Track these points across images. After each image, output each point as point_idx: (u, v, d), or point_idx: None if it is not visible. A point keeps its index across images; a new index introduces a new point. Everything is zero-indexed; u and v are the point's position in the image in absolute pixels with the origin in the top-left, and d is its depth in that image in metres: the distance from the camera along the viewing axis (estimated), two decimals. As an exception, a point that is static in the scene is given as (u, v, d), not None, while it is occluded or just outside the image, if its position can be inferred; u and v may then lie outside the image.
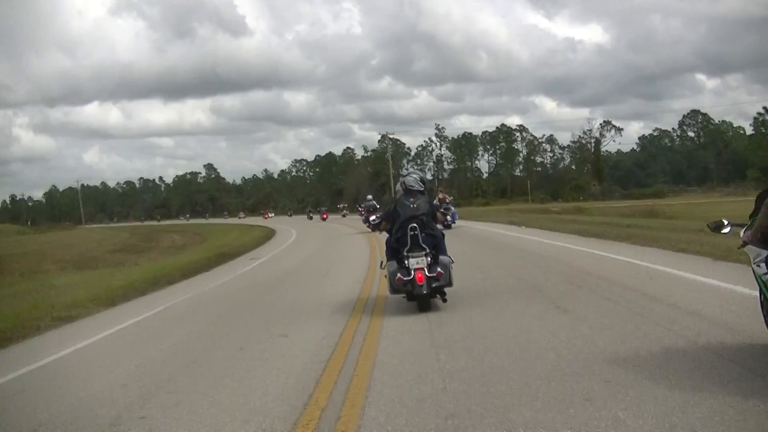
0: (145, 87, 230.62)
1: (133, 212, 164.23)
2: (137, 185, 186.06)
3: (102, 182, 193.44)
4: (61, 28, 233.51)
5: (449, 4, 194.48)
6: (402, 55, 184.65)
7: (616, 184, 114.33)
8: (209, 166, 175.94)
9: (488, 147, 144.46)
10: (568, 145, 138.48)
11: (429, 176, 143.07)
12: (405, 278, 8.58)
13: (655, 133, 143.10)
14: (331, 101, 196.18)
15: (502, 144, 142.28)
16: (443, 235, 9.38)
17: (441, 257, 8.88)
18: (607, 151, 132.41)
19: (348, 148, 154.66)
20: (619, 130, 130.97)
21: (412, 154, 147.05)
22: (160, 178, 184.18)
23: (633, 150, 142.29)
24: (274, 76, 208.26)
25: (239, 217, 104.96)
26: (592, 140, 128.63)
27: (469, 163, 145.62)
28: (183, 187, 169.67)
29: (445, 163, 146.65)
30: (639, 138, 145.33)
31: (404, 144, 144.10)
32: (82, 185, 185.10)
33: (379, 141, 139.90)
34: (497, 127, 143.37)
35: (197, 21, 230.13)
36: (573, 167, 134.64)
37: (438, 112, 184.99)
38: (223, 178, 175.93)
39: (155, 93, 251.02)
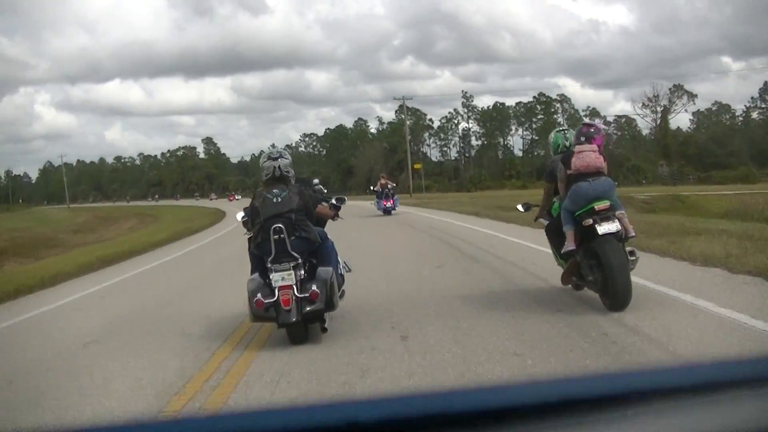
0: (165, 65, 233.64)
1: (129, 191, 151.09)
2: (138, 162, 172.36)
3: (100, 158, 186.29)
4: (80, 5, 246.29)
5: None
6: (424, 35, 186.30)
7: (687, 165, 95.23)
8: (208, 141, 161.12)
9: (523, 120, 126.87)
10: (615, 120, 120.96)
11: (454, 153, 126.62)
12: (266, 300, 6.37)
13: (714, 107, 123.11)
14: (353, 81, 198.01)
15: (540, 117, 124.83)
16: (325, 238, 7.08)
17: (320, 269, 6.69)
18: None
19: (360, 119, 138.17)
20: (692, 96, 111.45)
21: (435, 127, 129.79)
22: (162, 154, 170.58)
23: (690, 128, 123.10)
24: (295, 55, 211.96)
25: (210, 199, 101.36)
26: (658, 109, 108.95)
27: (500, 139, 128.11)
28: (177, 163, 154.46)
29: (473, 138, 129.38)
30: (693, 114, 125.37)
31: (425, 115, 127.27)
32: (79, 161, 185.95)
33: (396, 111, 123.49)
34: (534, 97, 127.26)
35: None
36: (620, 146, 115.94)
37: (460, 92, 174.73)
38: (224, 154, 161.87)
39: (176, 71, 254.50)
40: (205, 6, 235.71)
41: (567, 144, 7.79)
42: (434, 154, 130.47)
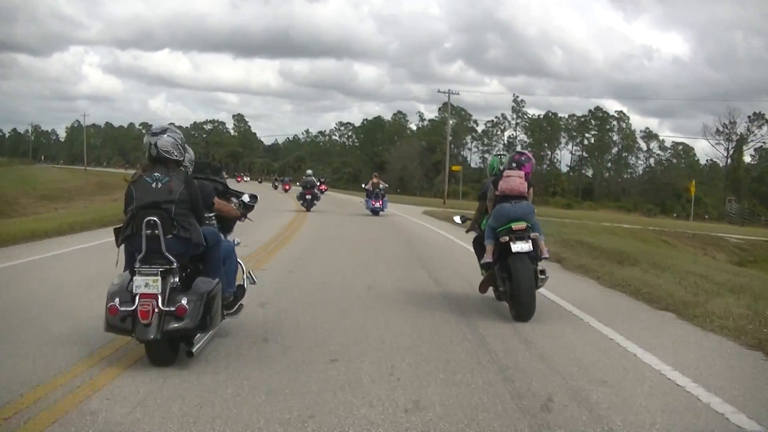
0: (216, 41, 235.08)
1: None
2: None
3: (130, 123, 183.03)
4: None
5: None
6: (476, 41, 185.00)
7: (760, 204, 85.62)
8: (239, 117, 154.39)
9: (574, 134, 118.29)
10: (672, 147, 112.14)
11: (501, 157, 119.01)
12: (123, 308, 5.29)
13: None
14: (399, 78, 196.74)
15: (594, 133, 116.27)
16: (217, 242, 6.13)
17: (199, 280, 5.67)
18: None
19: (399, 113, 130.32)
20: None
21: (479, 131, 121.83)
22: (195, 123, 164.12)
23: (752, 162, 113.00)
24: (346, 46, 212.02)
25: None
26: (733, 138, 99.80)
27: (548, 152, 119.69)
28: (202, 137, 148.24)
29: (519, 147, 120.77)
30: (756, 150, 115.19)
31: (470, 116, 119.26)
32: (107, 124, 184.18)
33: (440, 109, 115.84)
34: (590, 111, 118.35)
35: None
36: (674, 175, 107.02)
37: (506, 103, 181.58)
38: (254, 134, 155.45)
39: (225, 48, 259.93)
40: None
41: (501, 168, 8.35)
42: (474, 160, 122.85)
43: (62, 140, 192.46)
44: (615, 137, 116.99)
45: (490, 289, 8.51)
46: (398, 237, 19.02)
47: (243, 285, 6.72)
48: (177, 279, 5.49)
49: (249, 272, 6.98)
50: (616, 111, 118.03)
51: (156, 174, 5.53)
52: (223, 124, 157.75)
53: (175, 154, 5.70)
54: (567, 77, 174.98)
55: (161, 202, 5.44)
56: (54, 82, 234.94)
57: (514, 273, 7.47)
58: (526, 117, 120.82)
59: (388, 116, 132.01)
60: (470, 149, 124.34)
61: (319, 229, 20.81)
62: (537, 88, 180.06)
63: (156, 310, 5.20)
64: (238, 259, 6.73)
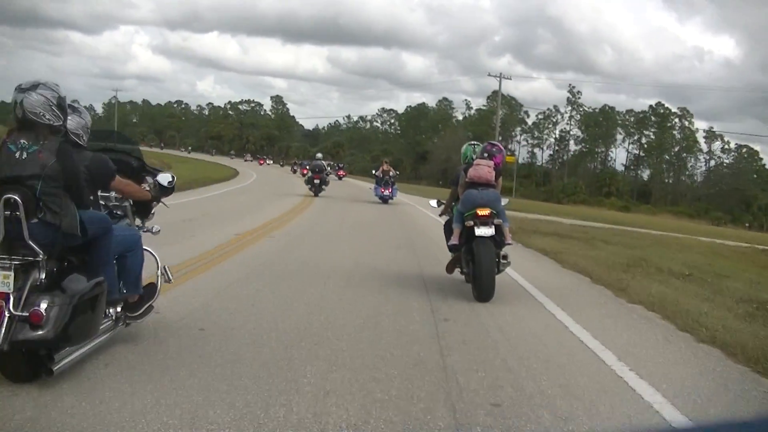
0: (265, 25, 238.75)
1: (187, 140, 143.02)
2: (207, 111, 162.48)
3: (168, 102, 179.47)
4: None
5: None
6: (526, 36, 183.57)
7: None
8: (277, 99, 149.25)
9: (632, 131, 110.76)
10: (736, 149, 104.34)
11: (546, 156, 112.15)
12: None
13: None
14: (447, 70, 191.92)
15: (654, 130, 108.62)
16: (107, 231, 4.99)
17: (71, 278, 4.59)
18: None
19: (444, 99, 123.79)
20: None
21: (529, 123, 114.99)
22: (231, 103, 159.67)
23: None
24: (395, 35, 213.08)
25: (245, 160, 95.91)
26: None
27: (602, 149, 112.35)
28: (237, 117, 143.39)
29: (572, 142, 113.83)
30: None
31: (520, 107, 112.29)
32: (145, 101, 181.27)
33: (488, 98, 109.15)
34: (651, 106, 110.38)
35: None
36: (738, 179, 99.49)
37: (554, 99, 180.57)
38: (292, 117, 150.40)
39: (275, 33, 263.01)
40: None
41: (474, 156, 8.81)
42: (522, 154, 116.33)
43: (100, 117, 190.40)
44: (676, 136, 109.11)
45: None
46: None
47: (155, 283, 5.69)
48: (43, 275, 4.40)
49: (164, 267, 5.85)
50: (678, 108, 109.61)
51: (22, 141, 4.49)
52: (260, 105, 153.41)
53: (47, 117, 4.51)
54: (616, 76, 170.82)
55: (25, 177, 4.42)
56: (104, 61, 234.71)
57: (476, 256, 7.97)
58: (581, 109, 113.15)
59: (433, 105, 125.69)
60: (519, 142, 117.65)
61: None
62: (584, 86, 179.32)
63: (5, 314, 4.17)
64: (153, 252, 5.76)
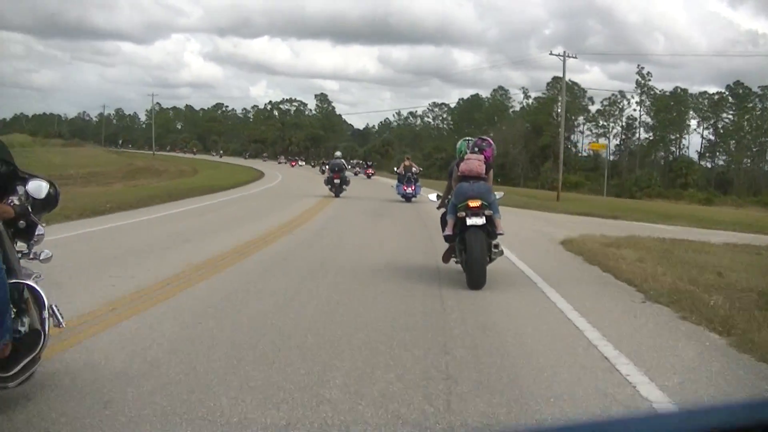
0: (314, 28, 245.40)
1: (230, 145, 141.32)
2: (250, 115, 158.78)
3: (212, 105, 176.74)
4: None
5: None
6: (576, 28, 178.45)
7: None
8: (322, 97, 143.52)
9: (709, 115, 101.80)
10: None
11: (611, 147, 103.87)
12: None
13: None
14: (499, 65, 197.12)
15: (732, 113, 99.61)
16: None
17: None
18: None
19: (500, 88, 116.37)
20: None
21: (593, 110, 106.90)
22: (272, 103, 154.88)
23: None
24: (444, 32, 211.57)
25: (278, 162, 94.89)
26: None
27: (675, 135, 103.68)
28: (278, 117, 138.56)
29: (642, 130, 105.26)
30: None
31: (584, 92, 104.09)
32: (188, 107, 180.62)
33: (548, 84, 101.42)
34: (729, 86, 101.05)
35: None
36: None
37: (602, 94, 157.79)
38: (339, 115, 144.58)
39: (324, 35, 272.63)
40: None
41: (468, 150, 9.26)
42: (586, 145, 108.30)
43: (144, 124, 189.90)
44: (757, 121, 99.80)
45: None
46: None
47: (39, 329, 4.38)
48: None
49: (53, 307, 4.61)
50: (760, 86, 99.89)
51: None
52: (304, 104, 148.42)
53: None
54: (668, 64, 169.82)
55: None
56: (156, 70, 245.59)
57: (468, 245, 8.43)
58: (651, 93, 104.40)
59: (487, 96, 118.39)
60: (582, 132, 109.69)
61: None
62: (637, 75, 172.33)
63: None
64: (38, 288, 4.44)
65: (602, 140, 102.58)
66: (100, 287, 7.64)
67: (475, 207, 8.42)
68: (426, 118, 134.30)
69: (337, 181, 27.24)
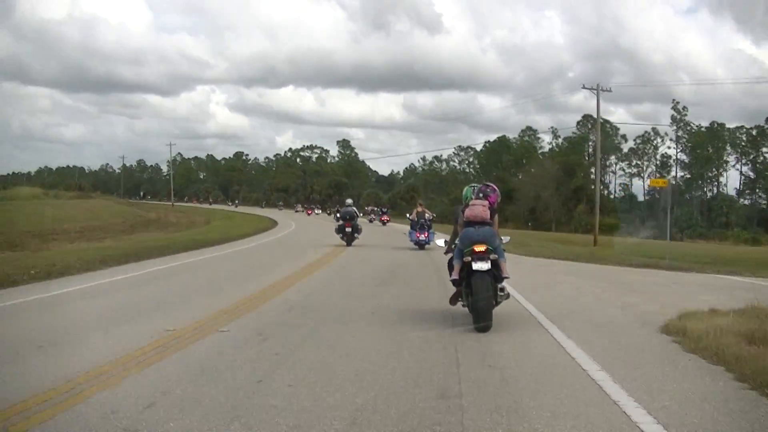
0: (339, 76, 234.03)
1: (252, 194, 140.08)
2: (274, 165, 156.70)
3: (236, 153, 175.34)
4: (262, 10, 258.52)
5: (653, 21, 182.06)
6: (601, 69, 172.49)
7: None
8: (344, 143, 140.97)
9: (748, 150, 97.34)
10: None
11: (644, 188, 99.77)
12: None
13: None
14: (525, 110, 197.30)
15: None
16: None
17: None
18: None
19: (528, 128, 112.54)
20: None
21: (625, 149, 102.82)
22: (292, 150, 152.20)
23: None
24: (469, 78, 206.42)
25: (295, 210, 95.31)
26: None
27: (712, 172, 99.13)
28: (300, 165, 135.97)
29: (678, 168, 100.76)
30: None
31: (616, 130, 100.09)
32: (209, 156, 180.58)
33: (578, 123, 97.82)
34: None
35: (394, 15, 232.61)
36: None
37: (633, 132, 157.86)
38: (362, 162, 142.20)
39: (349, 83, 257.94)
40: (383, 21, 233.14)
41: (473, 196, 9.53)
42: (615, 185, 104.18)
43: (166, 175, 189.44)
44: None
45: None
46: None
47: None
48: None
49: None
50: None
51: None
52: (326, 151, 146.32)
53: None
54: (694, 103, 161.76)
55: None
56: (183, 121, 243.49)
57: (474, 289, 8.53)
58: (687, 128, 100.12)
59: (514, 137, 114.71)
60: (614, 173, 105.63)
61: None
62: (663, 116, 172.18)
63: None
64: None
65: (636, 179, 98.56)
66: None
67: (480, 252, 8.59)
68: (452, 162, 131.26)
69: (348, 229, 26.67)
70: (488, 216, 8.85)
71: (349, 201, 29.70)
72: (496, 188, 9.46)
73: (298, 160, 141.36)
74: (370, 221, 57.35)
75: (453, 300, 9.46)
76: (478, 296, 8.42)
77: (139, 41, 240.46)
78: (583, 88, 49.91)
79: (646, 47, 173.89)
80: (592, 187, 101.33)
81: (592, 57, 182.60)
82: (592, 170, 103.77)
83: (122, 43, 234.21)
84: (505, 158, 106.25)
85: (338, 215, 29.56)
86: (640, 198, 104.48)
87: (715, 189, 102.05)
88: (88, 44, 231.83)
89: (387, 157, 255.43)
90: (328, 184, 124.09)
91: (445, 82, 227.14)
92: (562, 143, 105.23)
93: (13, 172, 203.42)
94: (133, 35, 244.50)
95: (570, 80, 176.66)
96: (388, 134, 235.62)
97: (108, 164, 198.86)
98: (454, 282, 9.11)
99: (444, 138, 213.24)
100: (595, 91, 49.19)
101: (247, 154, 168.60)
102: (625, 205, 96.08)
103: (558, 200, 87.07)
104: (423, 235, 25.77)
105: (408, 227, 27.55)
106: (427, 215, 26.41)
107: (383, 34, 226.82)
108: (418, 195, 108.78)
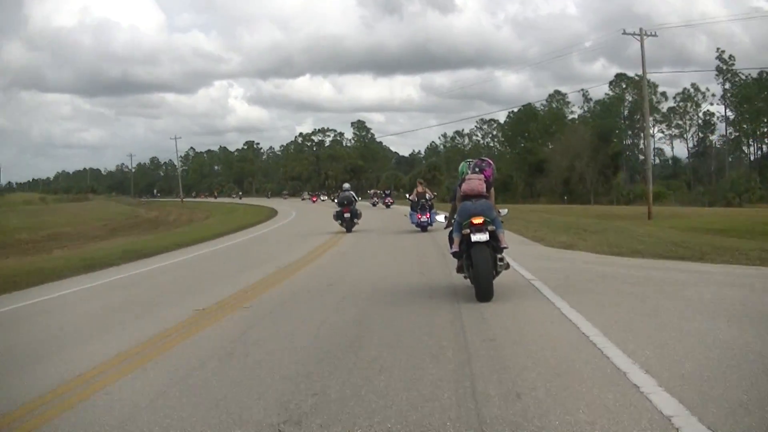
0: (355, 61, 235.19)
1: (268, 185, 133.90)
2: (292, 149, 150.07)
3: (248, 142, 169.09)
4: (272, 2, 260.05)
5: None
6: (617, 37, 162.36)
7: None
8: (359, 125, 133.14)
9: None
10: None
11: (681, 147, 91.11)
12: None
13: None
14: (543, 82, 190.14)
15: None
16: None
17: None
18: None
19: (556, 92, 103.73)
20: None
21: (663, 108, 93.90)
22: (303, 135, 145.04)
23: None
24: (485, 55, 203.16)
25: (302, 199, 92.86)
26: None
27: (762, 129, 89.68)
28: (312, 150, 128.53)
29: (726, 126, 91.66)
30: None
31: (655, 87, 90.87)
32: (221, 148, 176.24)
33: (610, 83, 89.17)
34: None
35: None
36: None
37: (671, 91, 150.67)
38: (379, 143, 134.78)
39: (365, 68, 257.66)
40: (394, 4, 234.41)
41: (469, 171, 9.56)
42: (653, 149, 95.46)
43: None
44: None
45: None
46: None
47: None
48: None
49: None
50: None
51: None
52: (341, 134, 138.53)
53: None
54: (713, 65, 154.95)
55: None
56: (202, 117, 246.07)
57: (474, 260, 8.61)
58: (733, 79, 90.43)
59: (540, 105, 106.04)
60: (652, 136, 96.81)
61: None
62: (683, 79, 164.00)
63: None
64: None
65: (677, 141, 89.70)
66: None
67: (478, 224, 8.73)
68: (474, 137, 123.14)
69: (347, 215, 25.87)
70: (484, 189, 9.13)
71: (347, 185, 28.68)
72: (491, 162, 9.63)
73: (311, 145, 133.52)
74: (374, 205, 56.76)
75: (459, 269, 9.64)
76: (478, 268, 8.63)
77: (153, 42, 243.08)
78: (624, 33, 41.62)
79: (661, 11, 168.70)
80: (628, 153, 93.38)
81: (607, 25, 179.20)
82: (630, 133, 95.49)
83: (136, 44, 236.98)
84: (533, 127, 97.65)
85: (336, 200, 28.32)
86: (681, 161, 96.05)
87: (766, 146, 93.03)
88: (102, 48, 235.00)
89: (404, 133, 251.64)
90: (343, 168, 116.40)
91: (461, 60, 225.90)
92: (594, 107, 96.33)
93: (33, 179, 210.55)
94: (145, 36, 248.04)
95: (587, 50, 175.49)
96: (408, 116, 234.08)
97: (123, 164, 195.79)
98: (454, 254, 9.32)
99: (464, 116, 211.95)
100: (638, 37, 40.96)
101: (257, 143, 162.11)
102: (668, 171, 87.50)
103: (594, 169, 78.73)
104: (425, 216, 24.43)
105: (409, 209, 26.15)
106: (427, 195, 24.83)
107: (396, 17, 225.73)
108: (440, 173, 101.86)
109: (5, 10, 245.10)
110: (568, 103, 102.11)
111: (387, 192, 59.91)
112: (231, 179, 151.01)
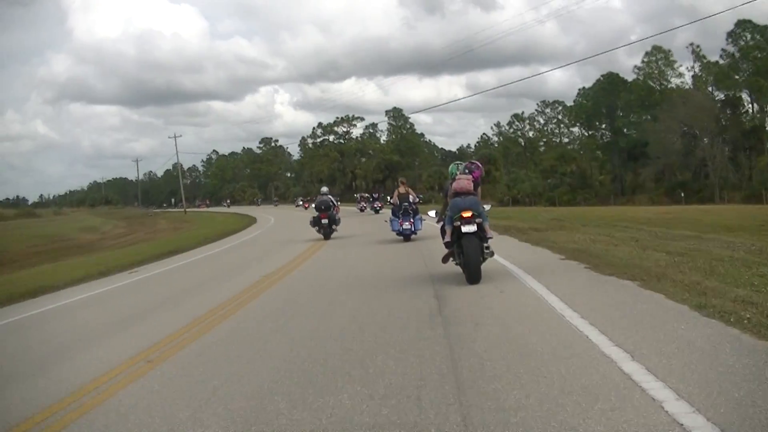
0: (399, 63, 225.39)
1: (292, 188, 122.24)
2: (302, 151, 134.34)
3: (264, 139, 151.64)
4: (314, 6, 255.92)
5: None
6: (662, 28, 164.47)
7: None
8: (395, 113, 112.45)
9: None
10: None
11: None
12: None
13: None
14: (590, 77, 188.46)
15: None
16: None
17: None
18: None
19: (658, 50, 78.32)
20: None
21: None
22: (322, 126, 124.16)
23: None
24: (530, 52, 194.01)
25: (296, 206, 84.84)
26: None
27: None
28: (333, 146, 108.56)
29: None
30: None
31: None
32: (247, 149, 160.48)
33: (729, 35, 66.56)
34: None
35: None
36: None
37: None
38: (420, 134, 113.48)
39: (410, 69, 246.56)
40: (435, 3, 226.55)
41: (458, 173, 11.02)
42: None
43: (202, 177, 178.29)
44: None
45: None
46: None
47: None
48: None
49: None
50: None
51: None
52: (374, 125, 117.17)
53: None
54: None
55: None
56: (250, 124, 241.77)
57: (464, 248, 10.04)
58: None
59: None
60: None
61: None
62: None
63: None
64: None
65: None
66: None
67: (467, 217, 10.08)
68: (536, 122, 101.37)
69: (324, 221, 23.69)
70: (472, 188, 10.55)
71: (324, 189, 26.28)
72: (480, 165, 11.21)
73: (333, 139, 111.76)
74: (362, 210, 52.18)
75: (445, 259, 11.15)
76: (468, 255, 9.94)
77: (196, 50, 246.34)
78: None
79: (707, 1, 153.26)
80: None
81: (652, 16, 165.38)
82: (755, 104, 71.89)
83: (179, 53, 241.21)
84: (624, 96, 73.91)
85: (314, 205, 25.73)
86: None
87: None
88: (146, 58, 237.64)
89: (427, 110, 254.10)
90: (375, 166, 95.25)
91: (506, 58, 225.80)
92: (699, 74, 71.74)
93: (70, 191, 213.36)
94: (189, 44, 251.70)
95: (633, 42, 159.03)
96: (455, 116, 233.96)
97: (152, 172, 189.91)
98: (446, 244, 10.64)
99: (511, 113, 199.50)
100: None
101: (276, 141, 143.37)
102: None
103: (719, 152, 55.85)
104: (407, 223, 20.54)
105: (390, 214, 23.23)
106: (411, 197, 21.26)
107: (438, 17, 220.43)
108: (495, 168, 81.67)
109: (50, 25, 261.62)
110: (673, 62, 75.87)
111: (375, 195, 56.32)
112: (255, 184, 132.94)
